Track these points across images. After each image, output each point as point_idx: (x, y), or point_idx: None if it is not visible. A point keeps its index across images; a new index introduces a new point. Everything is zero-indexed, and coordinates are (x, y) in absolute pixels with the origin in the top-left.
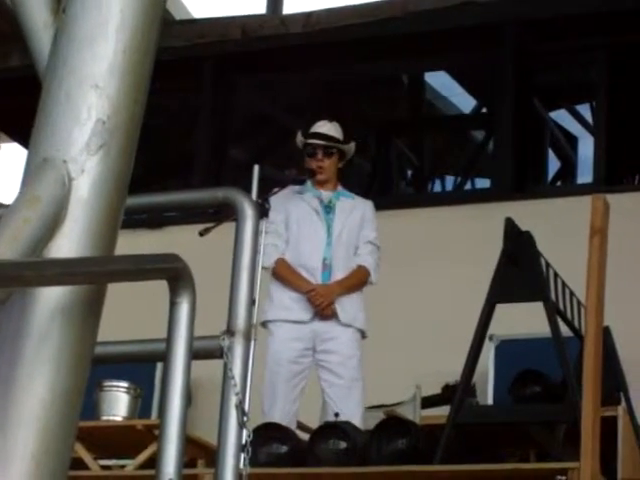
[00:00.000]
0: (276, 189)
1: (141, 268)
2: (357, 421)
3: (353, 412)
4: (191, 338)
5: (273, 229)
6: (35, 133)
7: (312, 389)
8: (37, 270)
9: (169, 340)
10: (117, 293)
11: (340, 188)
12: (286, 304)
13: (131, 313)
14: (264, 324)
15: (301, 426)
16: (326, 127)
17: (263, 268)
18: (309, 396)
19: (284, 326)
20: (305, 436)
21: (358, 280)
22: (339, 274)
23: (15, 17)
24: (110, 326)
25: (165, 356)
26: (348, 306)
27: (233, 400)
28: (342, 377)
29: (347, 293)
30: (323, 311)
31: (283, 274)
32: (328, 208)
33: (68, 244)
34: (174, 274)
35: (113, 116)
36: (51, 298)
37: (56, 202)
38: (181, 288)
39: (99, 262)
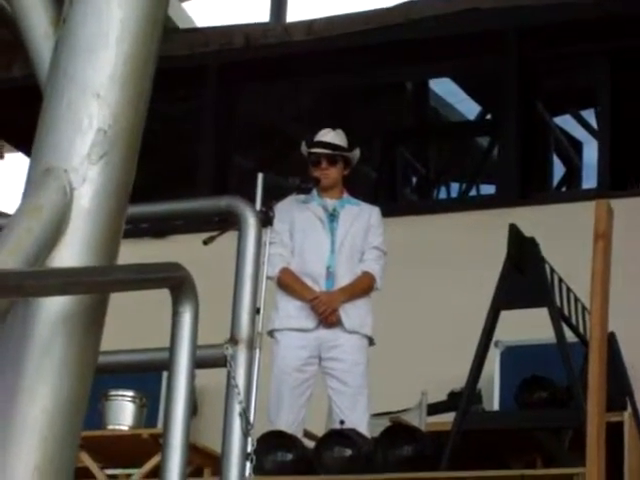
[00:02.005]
0: (280, 198)
1: (143, 277)
2: (363, 428)
3: (359, 419)
4: (194, 347)
5: (279, 239)
6: (37, 143)
7: (319, 397)
8: (39, 280)
9: (172, 349)
10: (120, 302)
11: (346, 195)
12: (291, 313)
13: (135, 322)
14: (270, 333)
15: (308, 434)
16: (329, 135)
17: (268, 278)
18: (316, 404)
19: (289, 334)
20: (311, 444)
21: (362, 286)
22: (343, 281)
23: (16, 27)
24: (113, 335)
25: (168, 365)
26: (353, 313)
27: (237, 409)
28: (348, 384)
29: (351, 300)
30: (327, 319)
31: (287, 283)
32: (332, 216)
33: (70, 254)
34: (177, 283)
35: (114, 125)
36: (54, 308)
37: (58, 212)
38: (184, 297)
39: (101, 271)
